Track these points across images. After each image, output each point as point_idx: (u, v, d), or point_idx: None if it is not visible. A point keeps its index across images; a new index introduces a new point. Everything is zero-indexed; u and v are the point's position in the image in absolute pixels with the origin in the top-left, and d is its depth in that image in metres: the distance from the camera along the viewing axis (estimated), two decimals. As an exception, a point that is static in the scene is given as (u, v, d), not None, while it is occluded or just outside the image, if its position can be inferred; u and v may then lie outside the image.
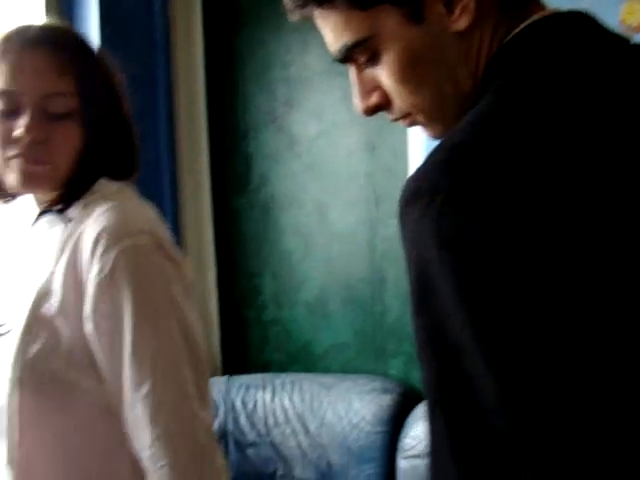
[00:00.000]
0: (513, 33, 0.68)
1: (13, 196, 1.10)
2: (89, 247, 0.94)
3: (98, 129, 1.03)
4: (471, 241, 0.58)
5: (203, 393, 0.99)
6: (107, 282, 0.93)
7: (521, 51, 0.68)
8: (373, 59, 0.71)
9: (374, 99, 0.74)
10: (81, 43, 1.07)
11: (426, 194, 0.60)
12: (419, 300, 0.61)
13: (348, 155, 2.46)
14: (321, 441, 2.25)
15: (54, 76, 0.99)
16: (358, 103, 0.75)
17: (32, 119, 0.98)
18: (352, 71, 0.74)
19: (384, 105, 0.74)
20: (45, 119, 0.99)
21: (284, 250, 2.59)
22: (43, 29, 1.04)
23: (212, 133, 2.60)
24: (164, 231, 1.03)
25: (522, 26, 0.68)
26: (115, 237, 0.94)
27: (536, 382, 0.57)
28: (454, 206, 0.59)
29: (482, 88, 0.69)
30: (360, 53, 0.71)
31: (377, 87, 0.73)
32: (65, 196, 1.03)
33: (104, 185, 1.05)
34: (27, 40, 1.00)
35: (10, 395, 0.99)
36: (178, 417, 0.95)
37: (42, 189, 1.04)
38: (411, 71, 0.70)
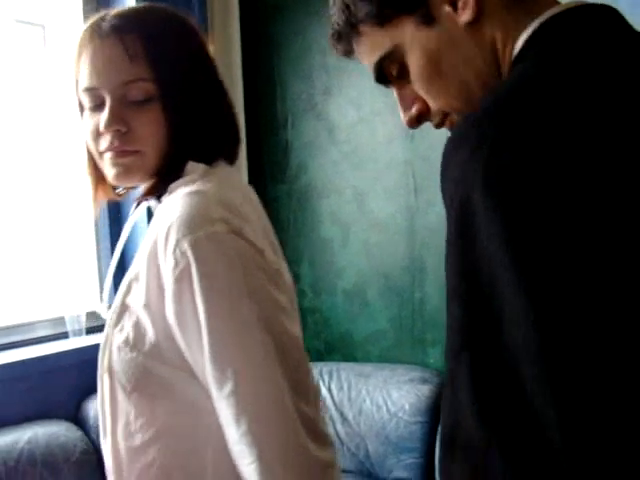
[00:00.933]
0: (542, 19, 0.71)
1: (125, 189, 1.11)
2: (162, 240, 0.91)
3: (182, 111, 0.99)
4: (518, 187, 0.59)
5: (299, 385, 0.91)
6: (181, 278, 0.89)
7: (556, 35, 0.70)
8: (402, 71, 0.77)
9: (415, 110, 0.80)
10: (154, 24, 1.02)
11: (474, 140, 0.63)
12: (457, 241, 0.63)
13: (387, 143, 2.43)
14: (359, 430, 2.25)
15: (126, 64, 0.97)
16: (403, 118, 0.82)
17: (112, 111, 0.97)
18: (394, 90, 0.81)
19: (425, 113, 0.80)
20: (126, 108, 0.97)
21: (322, 238, 2.59)
22: (114, 16, 1.00)
23: (249, 122, 2.59)
24: (247, 216, 0.96)
25: (550, 14, 0.71)
26: (186, 228, 0.89)
27: (580, 332, 0.57)
28: (501, 153, 0.61)
29: (514, 68, 0.73)
30: (390, 67, 0.78)
31: (415, 98, 0.79)
32: (157, 183, 1.02)
33: (190, 168, 1.00)
34: (97, 32, 0.98)
35: (102, 384, 0.99)
36: (263, 415, 0.89)
37: (134, 180, 1.03)
38: (434, 69, 0.75)
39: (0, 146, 2.16)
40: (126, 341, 0.94)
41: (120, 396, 0.97)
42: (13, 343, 2.12)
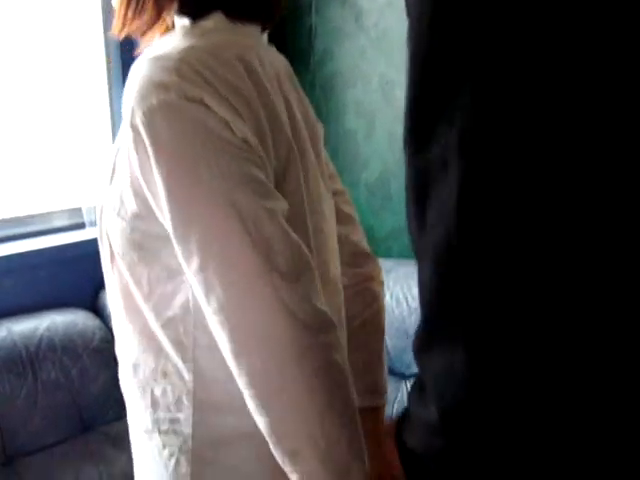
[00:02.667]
0: None
1: None
2: (124, 109, 0.86)
3: None
4: None
5: (277, 262, 0.82)
6: (138, 149, 0.83)
7: None
8: None
9: None
10: None
11: None
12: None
13: (417, 27, 2.29)
14: (379, 324, 2.23)
15: None
16: None
17: None
18: None
19: None
20: None
21: (347, 129, 2.49)
22: None
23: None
24: (221, 84, 0.85)
25: None
26: (140, 96, 0.83)
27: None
28: None
29: None
30: None
31: None
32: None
33: (176, 24, 0.91)
34: None
35: (103, 248, 0.96)
36: (231, 293, 0.82)
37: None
38: None
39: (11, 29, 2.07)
40: (113, 207, 0.90)
41: (116, 260, 0.94)
42: (30, 233, 2.11)
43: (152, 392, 0.95)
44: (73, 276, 2.08)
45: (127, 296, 0.94)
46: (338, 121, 2.50)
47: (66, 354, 1.90)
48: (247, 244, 0.81)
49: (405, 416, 0.73)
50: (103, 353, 1.97)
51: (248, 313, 0.82)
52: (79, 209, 2.17)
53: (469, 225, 0.53)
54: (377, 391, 1.15)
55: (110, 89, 2.20)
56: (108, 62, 2.20)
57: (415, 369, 0.63)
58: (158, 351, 0.94)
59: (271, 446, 0.85)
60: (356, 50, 2.42)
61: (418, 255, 0.60)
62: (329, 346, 0.85)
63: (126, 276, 0.92)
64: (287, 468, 0.85)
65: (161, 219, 0.85)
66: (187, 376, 0.92)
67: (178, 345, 0.92)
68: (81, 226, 2.15)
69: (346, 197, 1.22)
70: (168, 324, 0.92)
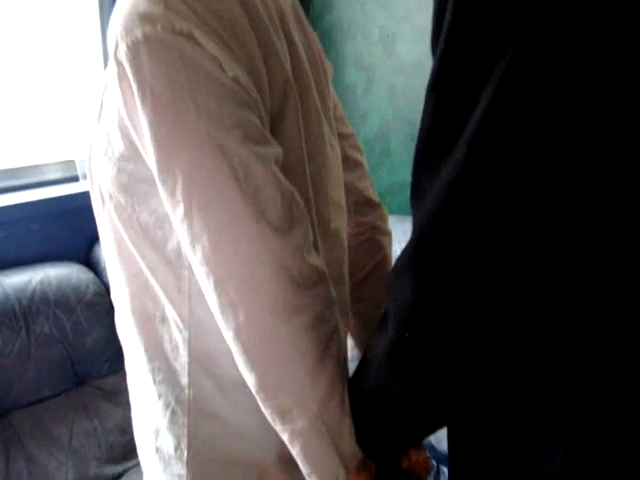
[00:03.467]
0: None
1: None
2: (108, 41, 0.80)
3: None
4: None
5: (269, 214, 0.77)
6: (122, 84, 0.77)
7: None
8: None
9: None
10: None
11: None
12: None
13: (419, -23, 2.23)
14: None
15: None
16: None
17: None
18: None
19: None
20: None
21: (345, 83, 2.44)
22: None
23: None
24: (215, 20, 0.79)
25: None
26: (124, 28, 0.77)
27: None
28: None
29: None
30: None
31: None
32: None
33: None
34: None
35: (92, 191, 0.92)
36: (217, 245, 0.77)
37: None
38: None
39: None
40: (100, 147, 0.85)
41: (106, 204, 0.89)
42: (22, 186, 2.07)
43: (148, 340, 0.92)
44: (66, 230, 2.05)
45: (119, 242, 0.90)
46: (337, 75, 2.43)
47: (60, 308, 1.88)
48: (235, 192, 0.76)
49: (359, 369, 0.80)
50: (97, 307, 1.95)
51: (235, 266, 0.77)
52: (72, 161, 2.12)
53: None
54: None
55: (102, 28, 2.10)
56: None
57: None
58: (154, 298, 0.90)
59: (260, 404, 0.83)
60: (356, 1, 2.36)
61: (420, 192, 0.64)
62: (321, 302, 0.81)
63: (116, 221, 0.88)
64: (277, 427, 0.83)
65: (147, 161, 0.80)
66: (183, 323, 0.89)
67: (173, 291, 0.88)
68: (74, 179, 2.10)
69: (354, 141, 1.17)
70: (162, 270, 0.88)
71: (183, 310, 0.88)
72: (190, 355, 0.90)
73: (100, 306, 1.96)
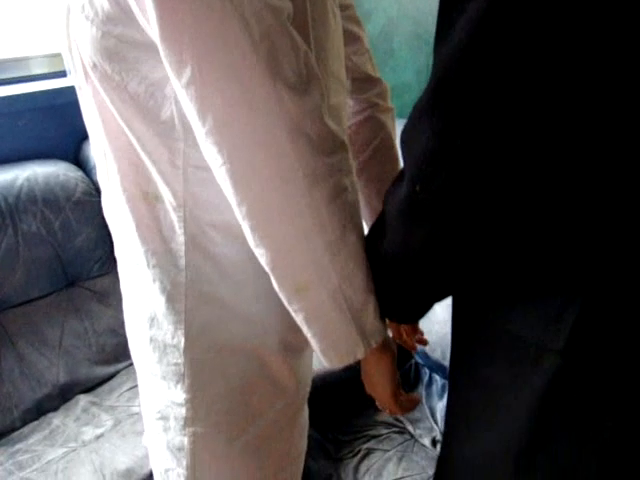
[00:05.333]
0: None
1: None
2: None
3: None
4: None
5: (283, 71, 0.70)
6: None
7: None
8: None
9: None
10: None
11: None
12: None
13: None
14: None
15: None
16: None
17: None
18: None
19: None
20: None
21: (348, -23, 2.31)
22: None
23: None
24: None
25: None
26: None
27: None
28: None
29: None
30: None
31: None
32: None
33: None
34: None
35: (72, 61, 0.84)
36: (229, 109, 0.69)
37: None
38: None
39: None
40: (80, 7, 0.75)
41: (89, 75, 0.81)
42: (6, 80, 1.96)
43: (141, 222, 0.86)
44: (54, 126, 1.96)
45: (106, 117, 0.82)
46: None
47: (47, 206, 1.83)
48: (249, 47, 0.67)
49: (374, 234, 0.78)
50: (86, 207, 1.89)
51: (248, 131, 0.70)
52: (59, 55, 2.00)
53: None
54: None
55: None
56: None
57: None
58: (145, 174, 0.84)
59: (275, 284, 0.78)
60: None
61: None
62: (340, 170, 0.75)
63: (101, 92, 0.80)
64: (292, 307, 0.79)
65: (142, 21, 0.71)
66: (177, 201, 0.83)
67: (166, 166, 0.82)
68: (62, 74, 2.00)
69: (353, 12, 1.09)
70: (153, 143, 0.81)
71: (177, 186, 0.82)
72: (186, 234, 0.84)
73: (89, 205, 1.90)
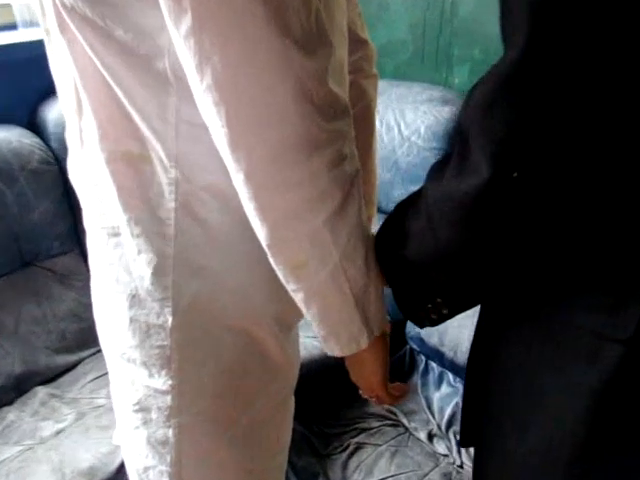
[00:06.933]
0: None
1: None
2: None
3: None
4: None
5: (290, 27, 0.66)
6: None
7: None
8: None
9: None
10: None
11: None
12: None
13: None
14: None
15: None
16: None
17: None
18: None
19: None
20: None
21: None
22: None
23: None
24: None
25: None
26: None
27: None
28: None
29: None
30: None
31: None
32: None
33: None
34: None
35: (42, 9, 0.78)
36: (231, 63, 0.65)
37: None
38: None
39: None
40: None
41: (64, 19, 0.73)
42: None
43: (123, 186, 0.79)
44: (4, 87, 1.78)
45: (84, 66, 0.75)
46: None
47: (0, 176, 1.66)
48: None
49: (397, 234, 0.74)
50: (44, 176, 1.73)
51: (251, 90, 0.66)
52: (8, 5, 1.83)
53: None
54: (369, 200, 1.07)
55: None
56: None
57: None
58: (132, 131, 0.78)
59: (271, 260, 0.75)
60: None
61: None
62: (343, 137, 0.72)
63: (80, 38, 0.73)
64: (290, 287, 0.77)
65: None
66: (169, 162, 0.78)
67: (157, 123, 0.76)
68: (12, 27, 1.82)
69: None
70: (142, 96, 0.75)
71: (168, 144, 0.77)
72: (177, 200, 0.79)
73: (47, 175, 1.74)
